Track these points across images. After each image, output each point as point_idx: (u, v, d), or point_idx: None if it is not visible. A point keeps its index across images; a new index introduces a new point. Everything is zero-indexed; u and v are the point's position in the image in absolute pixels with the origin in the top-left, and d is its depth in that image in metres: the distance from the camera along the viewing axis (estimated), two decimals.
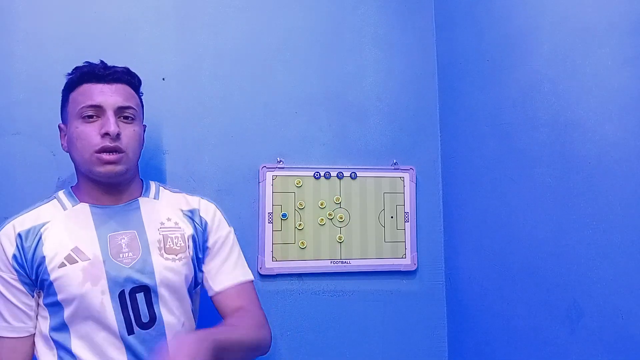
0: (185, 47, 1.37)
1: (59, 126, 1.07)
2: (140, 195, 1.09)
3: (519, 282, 1.14)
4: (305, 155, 1.42)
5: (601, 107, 0.92)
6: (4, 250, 0.95)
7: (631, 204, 0.86)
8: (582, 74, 0.97)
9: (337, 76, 1.47)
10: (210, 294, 1.14)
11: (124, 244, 1.00)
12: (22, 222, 0.98)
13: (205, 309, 1.33)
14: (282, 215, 1.38)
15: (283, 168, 1.39)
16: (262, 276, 1.36)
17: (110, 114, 0.98)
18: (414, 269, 1.45)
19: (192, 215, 1.11)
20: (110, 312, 0.95)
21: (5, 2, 1.27)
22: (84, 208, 1.02)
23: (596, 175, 0.93)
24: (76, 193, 1.05)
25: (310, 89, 1.44)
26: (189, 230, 1.08)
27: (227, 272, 1.12)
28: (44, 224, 0.98)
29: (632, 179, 0.86)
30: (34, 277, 0.95)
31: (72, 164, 1.25)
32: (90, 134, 0.97)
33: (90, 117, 0.98)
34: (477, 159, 1.33)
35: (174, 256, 1.03)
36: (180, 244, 1.05)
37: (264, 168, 1.38)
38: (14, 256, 0.95)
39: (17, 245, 0.95)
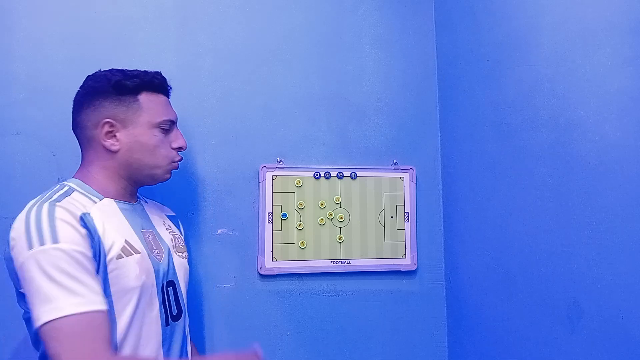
0: (185, 47, 1.37)
1: (106, 121, 0.98)
2: (138, 198, 1.11)
3: (519, 282, 1.14)
4: (305, 155, 1.42)
5: (601, 107, 0.92)
6: (74, 227, 0.86)
7: (631, 204, 0.86)
8: (582, 74, 0.97)
9: (337, 76, 1.47)
10: None
11: (152, 241, 1.03)
12: (71, 206, 0.89)
13: (205, 308, 1.34)
14: (282, 215, 1.38)
15: (283, 168, 1.39)
16: (262, 276, 1.36)
17: (178, 130, 1.09)
18: (414, 269, 1.45)
19: (174, 221, 1.20)
20: (156, 304, 0.98)
21: (5, 2, 1.27)
22: (111, 203, 0.99)
23: (596, 175, 0.93)
24: (94, 187, 0.99)
25: (310, 89, 1.44)
26: (179, 233, 1.18)
27: None
28: (89, 213, 0.91)
29: (632, 179, 0.86)
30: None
31: (71, 164, 1.25)
32: (167, 145, 1.05)
33: (167, 129, 1.05)
34: (477, 159, 1.33)
35: (181, 254, 1.11)
36: (183, 243, 1.14)
37: (264, 168, 1.38)
38: (87, 234, 0.87)
39: (83, 225, 0.87)
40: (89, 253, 0.86)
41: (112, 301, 0.90)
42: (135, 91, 1.01)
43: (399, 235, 1.45)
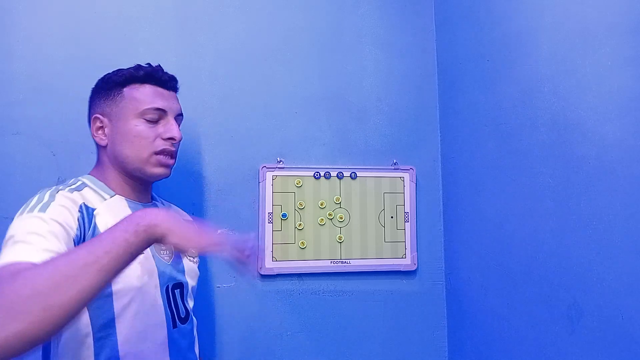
0: (185, 47, 1.37)
1: (95, 117, 1.02)
2: (152, 200, 1.11)
3: (519, 282, 1.14)
4: (305, 155, 1.42)
5: (601, 107, 0.92)
6: (69, 211, 0.86)
7: (631, 204, 0.86)
8: (582, 74, 0.97)
9: (337, 76, 1.47)
10: None
11: None
12: (81, 196, 0.93)
13: (205, 308, 1.33)
14: (282, 215, 1.38)
15: (283, 168, 1.39)
16: (262, 276, 1.36)
17: (172, 120, 1.02)
18: (414, 269, 1.45)
19: None
20: (161, 305, 0.97)
21: (5, 2, 1.27)
22: (122, 201, 1.00)
23: (596, 175, 0.93)
24: (107, 184, 1.01)
25: (310, 89, 1.44)
26: None
27: None
28: (94, 209, 0.94)
29: (632, 179, 0.86)
30: None
31: (71, 164, 1.24)
32: (151, 136, 0.99)
33: (152, 118, 1.00)
34: (477, 159, 1.33)
35: (192, 258, 1.10)
36: None
37: (264, 168, 1.38)
38: (80, 218, 0.87)
39: (81, 212, 0.89)
40: (71, 228, 0.84)
41: (112, 300, 0.90)
42: (121, 84, 1.01)
43: (399, 235, 1.45)
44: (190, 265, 1.08)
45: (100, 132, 1.02)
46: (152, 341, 0.95)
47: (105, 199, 0.98)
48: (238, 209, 1.36)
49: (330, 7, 1.48)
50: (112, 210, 0.96)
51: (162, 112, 1.01)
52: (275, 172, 1.38)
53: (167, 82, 1.05)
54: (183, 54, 1.36)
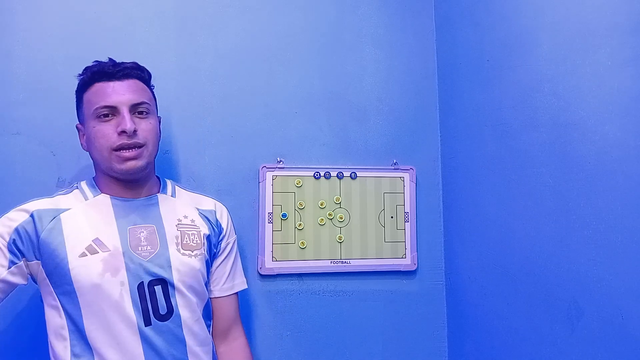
0: (185, 47, 1.37)
1: (76, 126, 1.08)
2: (159, 192, 1.11)
3: (519, 282, 1.14)
4: (305, 155, 1.42)
5: (601, 107, 0.92)
6: (12, 219, 0.97)
7: (631, 204, 0.86)
8: (582, 74, 0.97)
9: (337, 76, 1.47)
10: (210, 295, 1.15)
11: (142, 237, 1.02)
12: (42, 203, 1.00)
13: None
14: (282, 215, 1.38)
15: (283, 168, 1.39)
16: (262, 276, 1.36)
17: (125, 112, 1.00)
18: (414, 269, 1.45)
19: (208, 215, 1.15)
20: (128, 302, 0.97)
21: (5, 2, 1.27)
22: (105, 199, 1.04)
23: (596, 175, 0.93)
24: (98, 184, 1.07)
25: (310, 89, 1.44)
26: (204, 229, 1.12)
27: (232, 279, 1.18)
28: (64, 210, 1.00)
29: (632, 179, 0.86)
30: (39, 258, 0.96)
31: (71, 164, 1.25)
32: (107, 133, 0.99)
33: (106, 116, 1.00)
34: (477, 159, 1.33)
35: (190, 252, 1.07)
36: (197, 240, 1.09)
37: (264, 168, 1.38)
38: (18, 228, 0.96)
39: (27, 220, 0.97)
40: (4, 240, 0.95)
41: (76, 297, 0.95)
42: (81, 91, 1.05)
43: (399, 235, 1.45)
44: (181, 260, 1.04)
45: (82, 139, 1.07)
46: (122, 338, 0.96)
47: (88, 199, 1.04)
48: (238, 209, 1.36)
49: (330, 7, 1.48)
50: (90, 209, 1.02)
51: (112, 108, 1.00)
52: (275, 172, 1.39)
53: (116, 74, 1.02)
54: (183, 54, 1.36)
